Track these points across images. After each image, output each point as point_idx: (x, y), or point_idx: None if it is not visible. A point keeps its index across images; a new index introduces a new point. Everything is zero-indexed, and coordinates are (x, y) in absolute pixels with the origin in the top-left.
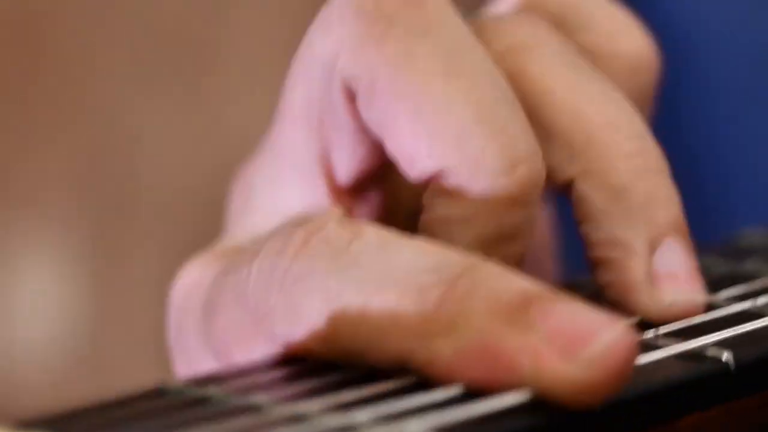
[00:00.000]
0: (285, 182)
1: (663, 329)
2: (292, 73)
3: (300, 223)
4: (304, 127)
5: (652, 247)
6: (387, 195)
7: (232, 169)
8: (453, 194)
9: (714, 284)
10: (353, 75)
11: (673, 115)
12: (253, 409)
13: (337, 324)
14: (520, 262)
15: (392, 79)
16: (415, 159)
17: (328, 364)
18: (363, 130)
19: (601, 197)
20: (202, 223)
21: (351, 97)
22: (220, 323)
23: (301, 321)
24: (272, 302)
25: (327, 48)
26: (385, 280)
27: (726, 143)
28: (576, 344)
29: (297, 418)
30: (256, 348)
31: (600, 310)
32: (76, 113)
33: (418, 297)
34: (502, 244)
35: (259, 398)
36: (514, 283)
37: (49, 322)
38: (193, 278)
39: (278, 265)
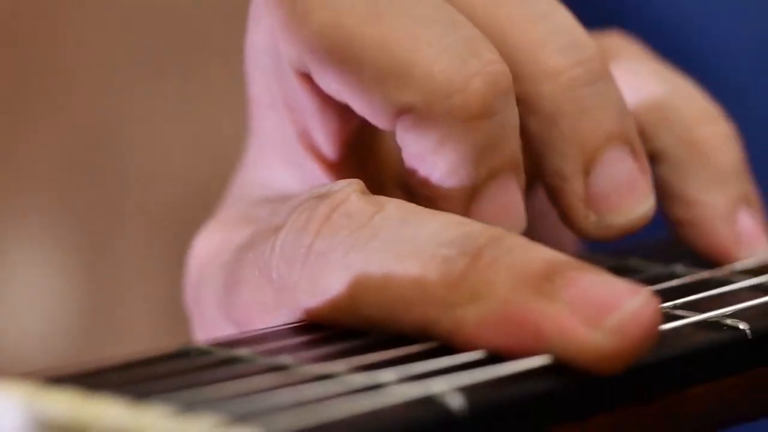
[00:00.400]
0: (274, 167)
1: (680, 301)
2: (247, 67)
3: (322, 195)
4: (275, 114)
5: (588, 166)
6: (375, 167)
7: (220, 162)
8: (419, 127)
9: None
10: (298, 58)
11: None
12: (281, 368)
13: (361, 295)
14: (517, 166)
15: (329, 47)
16: (377, 109)
17: (352, 330)
18: (328, 103)
19: (534, 124)
20: (192, 216)
21: (306, 78)
22: (243, 297)
23: (325, 294)
24: (296, 277)
25: (263, 39)
26: (409, 251)
27: None
28: (600, 312)
29: (324, 377)
30: (278, 321)
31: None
32: (68, 109)
33: (443, 267)
34: (486, 157)
35: (287, 359)
36: (538, 253)
37: (41, 316)
38: (209, 248)
39: (302, 240)
